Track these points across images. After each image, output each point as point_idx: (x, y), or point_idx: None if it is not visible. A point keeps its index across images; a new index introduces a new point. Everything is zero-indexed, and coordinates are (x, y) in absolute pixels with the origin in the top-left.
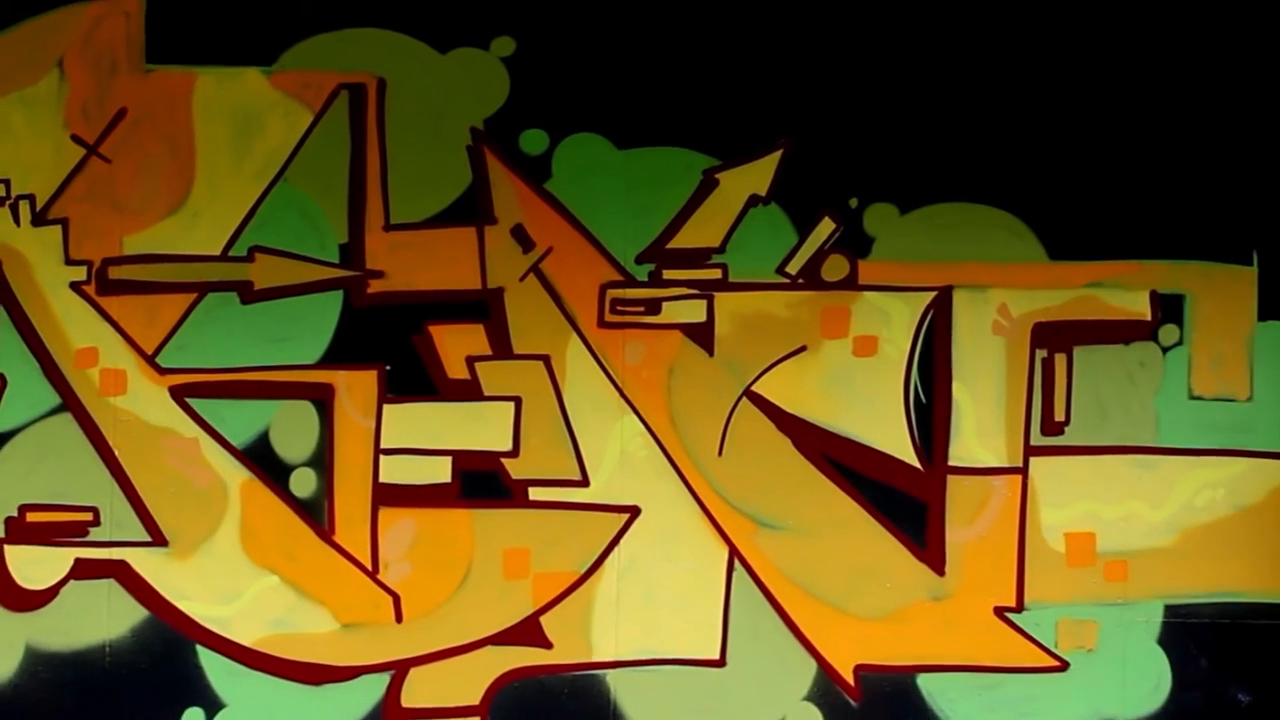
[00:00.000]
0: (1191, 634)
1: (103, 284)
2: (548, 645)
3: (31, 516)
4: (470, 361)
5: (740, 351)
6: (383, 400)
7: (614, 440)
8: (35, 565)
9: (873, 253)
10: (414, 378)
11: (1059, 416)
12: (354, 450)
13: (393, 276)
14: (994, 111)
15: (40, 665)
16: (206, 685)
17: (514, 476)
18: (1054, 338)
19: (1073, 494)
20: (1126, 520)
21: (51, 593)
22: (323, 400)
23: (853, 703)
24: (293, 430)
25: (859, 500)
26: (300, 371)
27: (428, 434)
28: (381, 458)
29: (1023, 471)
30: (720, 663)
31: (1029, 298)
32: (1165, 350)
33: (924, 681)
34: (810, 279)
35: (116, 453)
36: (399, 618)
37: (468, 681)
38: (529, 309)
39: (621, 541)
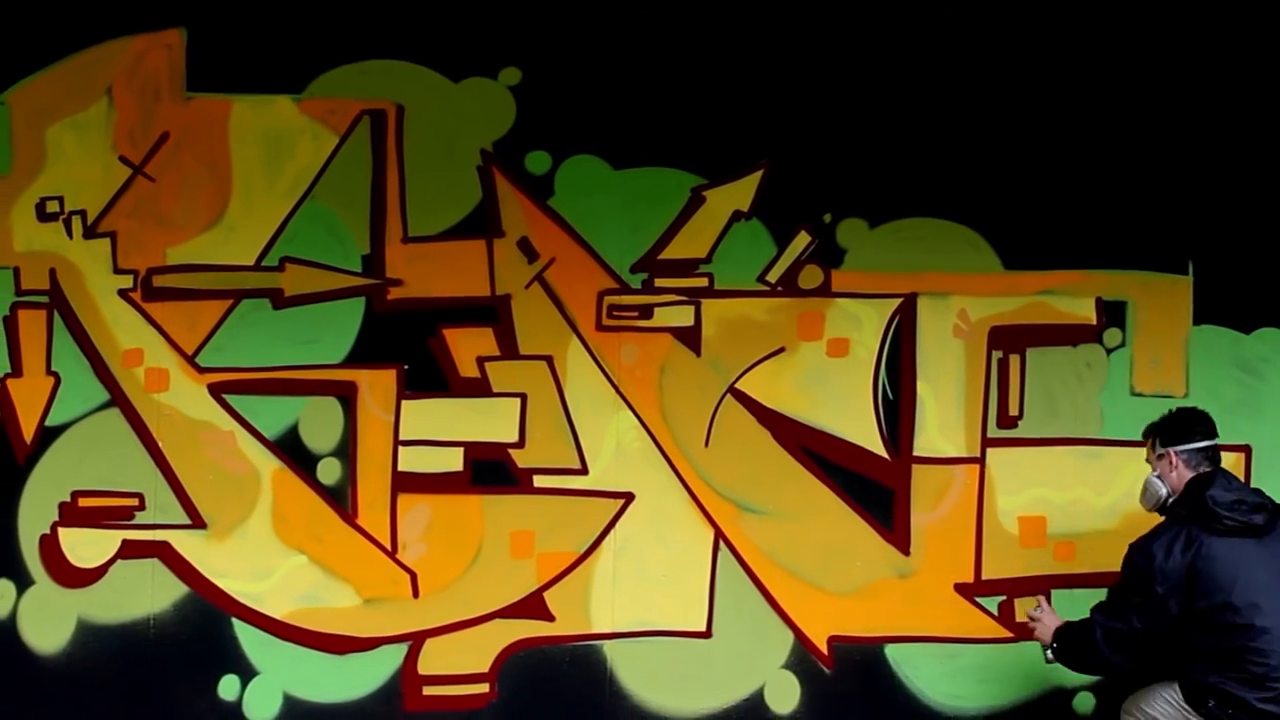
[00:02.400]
0: None
1: (148, 291)
2: (551, 618)
3: (83, 502)
4: (480, 361)
5: (725, 352)
6: (401, 396)
7: (610, 433)
8: (86, 546)
9: (845, 263)
10: (429, 376)
11: (1013, 411)
12: (375, 442)
13: (410, 284)
14: (955, 136)
15: (90, 636)
16: (241, 655)
17: (520, 465)
18: (1008, 340)
19: (1026, 481)
20: (1074, 505)
21: (101, 571)
22: (347, 396)
23: (826, 670)
24: (320, 424)
25: (832, 487)
26: (326, 370)
27: (442, 427)
28: (400, 448)
29: (980, 461)
30: (707, 634)
31: (986, 304)
32: (1109, 352)
33: (891, 651)
34: (788, 287)
35: (160, 444)
36: (416, 594)
37: (478, 651)
38: (534, 314)
39: (617, 524)
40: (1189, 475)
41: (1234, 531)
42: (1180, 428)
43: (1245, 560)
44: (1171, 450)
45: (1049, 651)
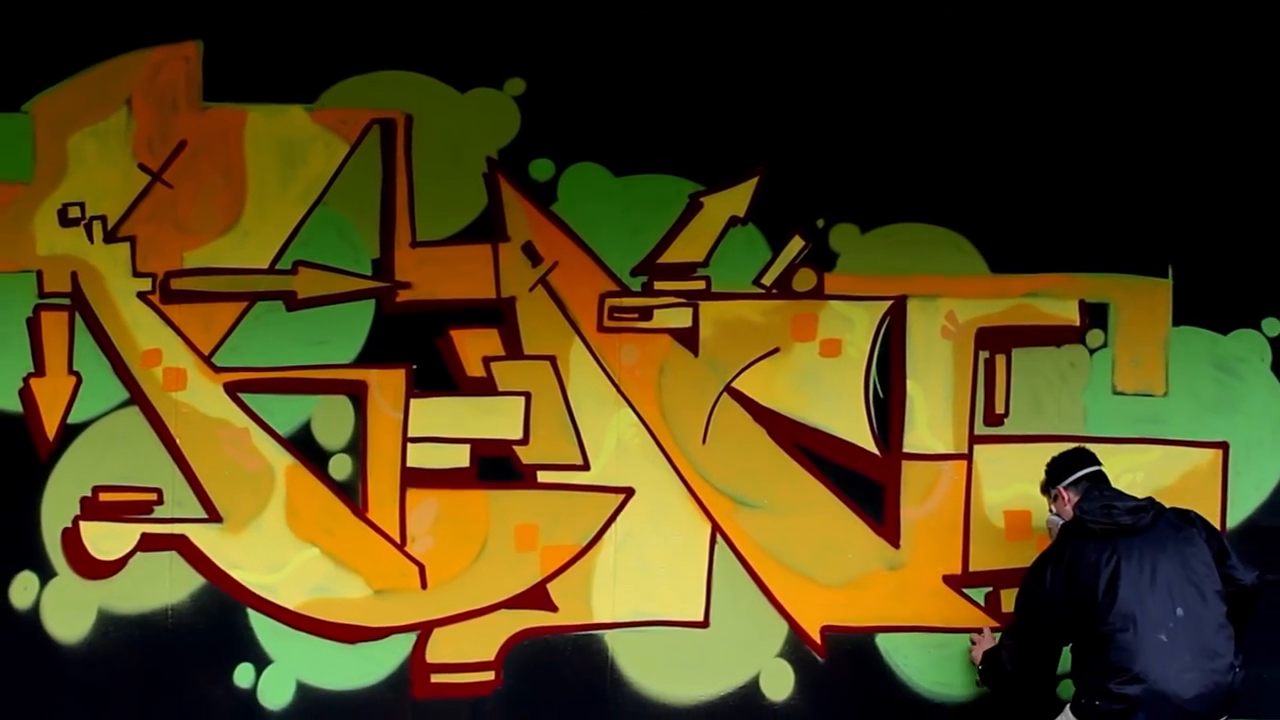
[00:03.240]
0: None
1: (165, 294)
2: (554, 609)
3: (104, 496)
4: (486, 361)
5: (721, 353)
6: (410, 395)
7: (611, 430)
8: (107, 539)
9: (837, 267)
10: (437, 375)
11: (999, 409)
12: (385, 439)
13: (418, 287)
14: (943, 144)
15: (111, 626)
16: (256, 643)
17: (524, 461)
18: (995, 341)
19: (1011, 477)
20: None
21: (121, 563)
22: (357, 395)
23: (819, 659)
24: (331, 421)
25: (825, 482)
26: (337, 370)
27: (449, 424)
28: (409, 445)
29: (968, 457)
30: (704, 624)
31: (973, 306)
32: (1092, 352)
33: (881, 641)
34: (782, 289)
35: (178, 441)
36: (424, 585)
37: (484, 640)
38: (537, 315)
39: (618, 518)
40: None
41: (1105, 534)
42: (1063, 466)
43: (1113, 558)
44: (1060, 487)
45: (978, 673)
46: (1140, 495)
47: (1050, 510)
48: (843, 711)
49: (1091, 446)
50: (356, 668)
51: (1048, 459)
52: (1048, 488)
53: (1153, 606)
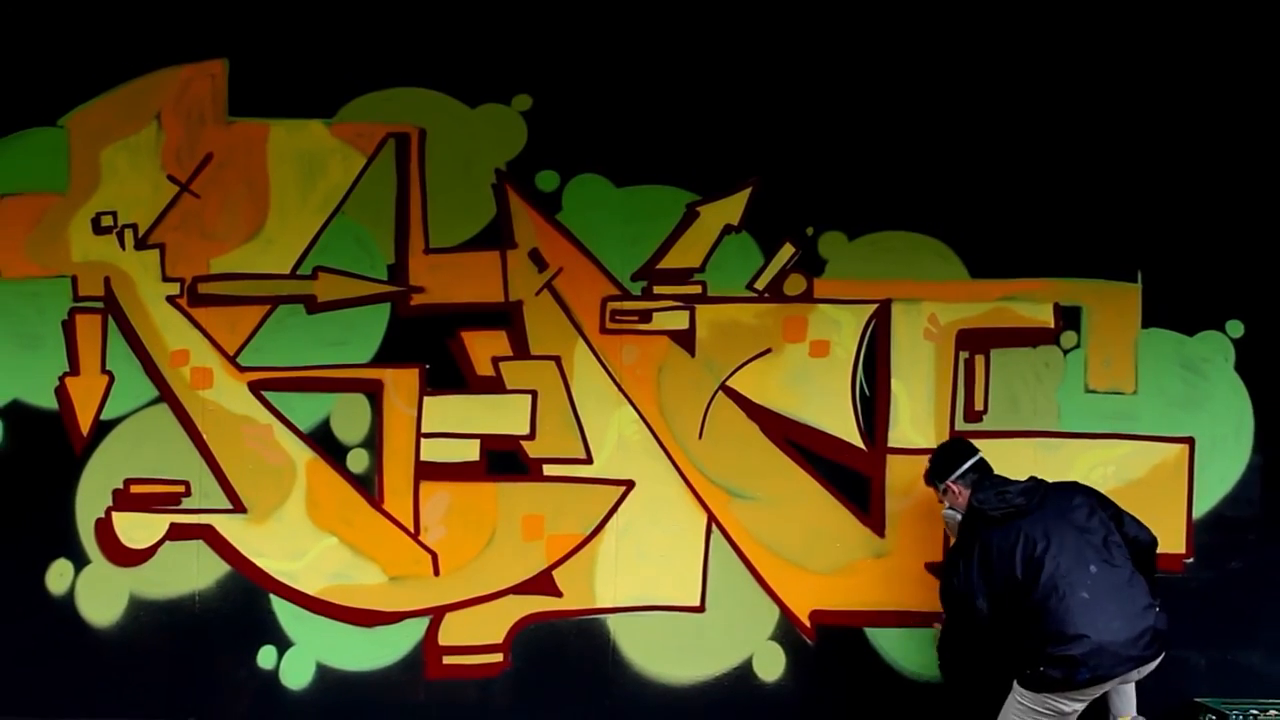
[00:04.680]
0: None
1: (193, 297)
2: (559, 594)
3: (134, 488)
4: (495, 361)
5: (717, 353)
6: (423, 393)
7: (613, 426)
8: (137, 528)
9: (826, 272)
10: (449, 375)
11: (978, 407)
12: (400, 434)
13: (431, 291)
14: (926, 157)
15: (141, 610)
16: (278, 627)
17: (531, 456)
18: (974, 342)
19: None
20: None
21: (150, 551)
22: (374, 393)
23: (809, 642)
24: (349, 418)
25: (815, 475)
26: (355, 369)
27: (460, 421)
28: (422, 440)
29: None
30: (700, 609)
31: (954, 309)
32: (1066, 352)
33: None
34: (774, 293)
35: (204, 436)
36: (436, 572)
37: (493, 624)
38: (543, 318)
39: (619, 509)
40: (969, 494)
41: (1007, 518)
42: (946, 461)
43: (1020, 538)
44: (949, 482)
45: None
46: (1112, 488)
47: (943, 505)
48: (831, 691)
49: (1065, 442)
50: (373, 650)
51: (1027, 452)
52: (933, 481)
53: (1069, 570)
